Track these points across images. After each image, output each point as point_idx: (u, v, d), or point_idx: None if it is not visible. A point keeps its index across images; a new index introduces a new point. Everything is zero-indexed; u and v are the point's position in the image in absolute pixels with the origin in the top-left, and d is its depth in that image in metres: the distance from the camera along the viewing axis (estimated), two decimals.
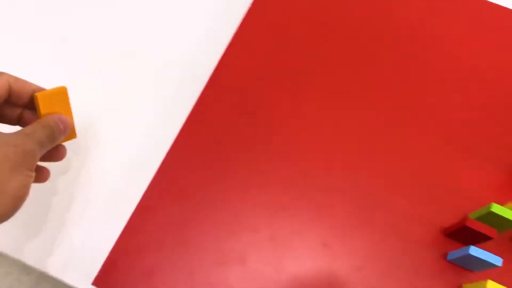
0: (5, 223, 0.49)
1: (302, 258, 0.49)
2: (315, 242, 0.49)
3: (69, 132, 0.42)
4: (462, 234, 0.47)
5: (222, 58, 0.58)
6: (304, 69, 0.58)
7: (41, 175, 0.42)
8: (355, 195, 0.52)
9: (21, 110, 0.41)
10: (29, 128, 0.37)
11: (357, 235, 0.50)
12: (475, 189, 0.53)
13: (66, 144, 0.53)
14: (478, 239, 0.47)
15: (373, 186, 0.53)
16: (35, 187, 0.51)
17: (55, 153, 0.43)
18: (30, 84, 0.40)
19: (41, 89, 0.40)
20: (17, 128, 0.52)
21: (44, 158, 0.42)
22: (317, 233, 0.50)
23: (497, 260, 0.44)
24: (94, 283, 0.46)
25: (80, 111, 0.56)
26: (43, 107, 0.40)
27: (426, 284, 0.48)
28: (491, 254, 0.44)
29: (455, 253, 0.47)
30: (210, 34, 0.61)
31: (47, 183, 0.51)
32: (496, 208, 0.45)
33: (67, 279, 0.47)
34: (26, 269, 1.24)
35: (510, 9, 0.65)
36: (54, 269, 0.47)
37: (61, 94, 0.41)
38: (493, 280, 0.48)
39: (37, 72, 0.58)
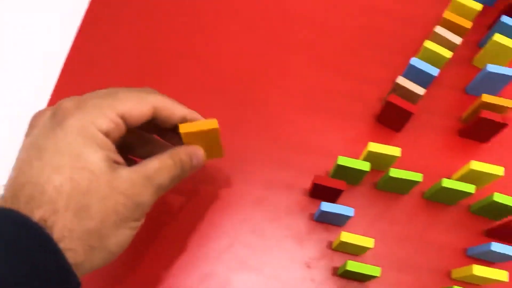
0: None
1: None
2: None
3: (199, 168, 0.38)
4: (321, 192, 0.47)
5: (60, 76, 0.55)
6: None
7: None
8: None
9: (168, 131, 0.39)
10: (154, 164, 0.33)
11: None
12: (331, 145, 0.52)
13: None
14: (331, 194, 0.46)
15: (232, 155, 0.51)
16: None
17: None
18: (180, 109, 0.35)
19: (190, 117, 0.36)
20: None
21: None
22: None
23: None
24: None
25: None
26: (186, 140, 0.37)
27: (299, 244, 0.47)
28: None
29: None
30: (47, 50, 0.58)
31: None
32: (342, 160, 0.45)
33: None
34: None
35: None
36: None
37: (210, 131, 0.36)
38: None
39: None
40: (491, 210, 0.46)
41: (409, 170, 0.50)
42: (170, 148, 0.36)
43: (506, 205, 0.44)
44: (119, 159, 0.32)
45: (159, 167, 0.33)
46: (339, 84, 0.55)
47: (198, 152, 0.37)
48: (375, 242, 0.48)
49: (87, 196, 0.29)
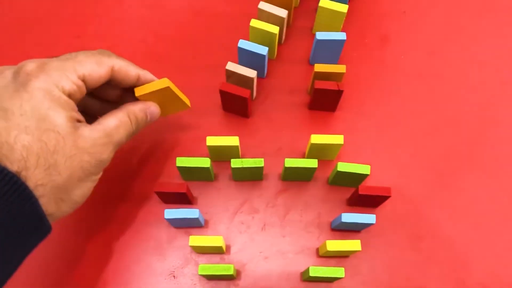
0: None
1: None
2: None
3: (154, 121, 0.41)
4: (169, 197, 0.45)
5: None
6: None
7: None
8: None
9: (122, 91, 0.41)
10: (112, 122, 0.36)
11: None
12: None
13: None
14: (179, 198, 0.44)
15: None
16: None
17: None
18: (133, 69, 0.38)
19: (143, 76, 0.39)
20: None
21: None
22: None
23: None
24: None
25: None
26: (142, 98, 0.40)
27: (161, 254, 0.45)
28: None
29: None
30: None
31: None
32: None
33: None
34: None
35: None
36: None
37: (163, 89, 0.39)
38: None
39: None
40: (344, 179, 0.45)
41: (258, 154, 0.49)
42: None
43: (352, 173, 0.43)
44: (80, 117, 0.34)
45: (116, 124, 0.36)
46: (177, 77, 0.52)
47: (152, 107, 0.40)
48: (239, 235, 0.46)
49: (55, 156, 0.31)
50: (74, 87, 0.34)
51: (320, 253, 0.45)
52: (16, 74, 0.33)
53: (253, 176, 0.46)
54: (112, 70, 0.37)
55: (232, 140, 0.43)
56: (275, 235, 0.46)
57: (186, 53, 0.53)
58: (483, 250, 0.46)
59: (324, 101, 0.48)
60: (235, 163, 0.43)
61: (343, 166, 0.43)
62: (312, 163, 0.43)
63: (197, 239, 0.41)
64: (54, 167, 0.31)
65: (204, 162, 0.43)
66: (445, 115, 0.50)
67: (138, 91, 0.39)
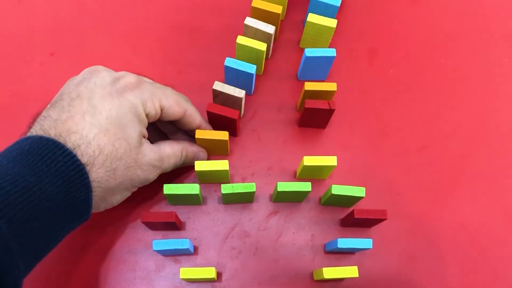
0: None
1: None
2: None
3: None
4: (155, 226, 0.42)
5: None
6: None
7: None
8: None
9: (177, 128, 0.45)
10: (167, 149, 0.41)
11: None
12: None
13: None
14: (165, 225, 0.43)
15: None
16: None
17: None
18: (199, 118, 0.44)
19: (203, 126, 0.44)
20: None
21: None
22: None
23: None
24: None
25: None
26: (199, 143, 0.45)
27: (149, 284, 0.42)
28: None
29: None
30: None
31: None
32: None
33: None
34: None
35: None
36: None
37: (221, 140, 0.43)
38: None
39: None
40: (338, 200, 0.44)
41: (247, 174, 0.48)
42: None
43: (346, 195, 0.42)
44: (146, 133, 0.39)
45: (169, 154, 0.41)
46: None
47: (202, 154, 0.45)
48: (230, 261, 0.45)
49: (118, 162, 0.35)
50: (153, 111, 0.38)
51: (315, 278, 0.43)
52: (115, 80, 0.37)
53: (243, 199, 0.45)
54: (185, 113, 0.41)
55: (221, 164, 0.41)
56: (267, 260, 0.44)
57: (168, 69, 0.51)
58: (481, 268, 0.45)
59: (315, 119, 0.47)
60: (226, 188, 0.41)
61: (338, 189, 0.41)
62: (306, 186, 0.41)
63: (188, 272, 0.39)
64: (113, 171, 0.35)
65: (192, 188, 0.41)
66: (437, 128, 0.50)
67: (199, 134, 0.43)
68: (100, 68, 0.38)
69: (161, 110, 0.39)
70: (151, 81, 0.41)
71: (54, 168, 0.32)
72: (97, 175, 0.34)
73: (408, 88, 0.51)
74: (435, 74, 0.52)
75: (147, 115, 0.38)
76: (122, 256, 0.44)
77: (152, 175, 0.40)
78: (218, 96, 0.45)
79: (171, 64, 0.51)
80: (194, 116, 0.42)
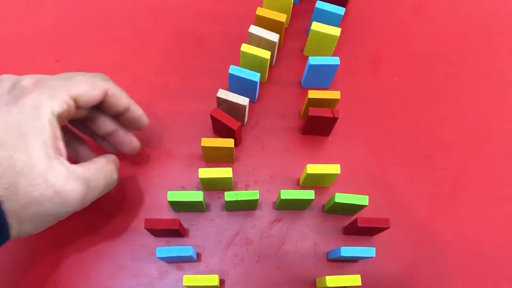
0: None
1: None
2: None
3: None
4: (158, 232, 0.43)
5: None
6: None
7: None
8: None
9: (115, 128, 0.41)
10: (93, 166, 0.36)
11: None
12: None
13: None
14: (169, 232, 0.44)
15: None
16: None
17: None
18: (125, 98, 0.39)
19: (132, 107, 0.40)
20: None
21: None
22: None
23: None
24: None
25: None
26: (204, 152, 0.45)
27: None
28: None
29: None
30: None
31: None
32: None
33: None
34: None
35: None
36: None
37: (226, 148, 0.43)
38: None
39: None
40: (341, 208, 0.44)
41: (250, 182, 0.47)
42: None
43: (350, 204, 0.42)
44: (62, 148, 0.33)
45: (97, 168, 0.36)
46: (164, 102, 0.50)
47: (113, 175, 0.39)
48: (233, 269, 0.45)
49: (19, 177, 0.30)
50: (65, 106, 0.33)
51: (318, 286, 0.43)
52: (12, 86, 0.33)
53: (246, 206, 0.45)
54: (106, 94, 0.37)
55: (225, 172, 0.41)
56: (270, 268, 0.44)
57: (172, 77, 0.51)
58: (484, 277, 0.45)
59: (318, 127, 0.47)
60: (229, 196, 0.41)
61: (341, 197, 0.41)
62: (309, 194, 0.41)
63: (191, 279, 0.39)
64: (14, 188, 0.30)
65: (196, 196, 0.41)
66: (440, 137, 0.50)
67: (204, 142, 0.42)
68: (3, 76, 0.34)
69: (75, 100, 0.34)
70: (56, 75, 0.36)
71: None
72: None
73: (412, 96, 0.51)
74: (439, 82, 0.52)
75: (58, 116, 0.33)
76: (124, 263, 0.44)
77: (74, 195, 0.33)
78: (222, 104, 0.45)
79: (176, 72, 0.51)
80: (119, 95, 0.38)
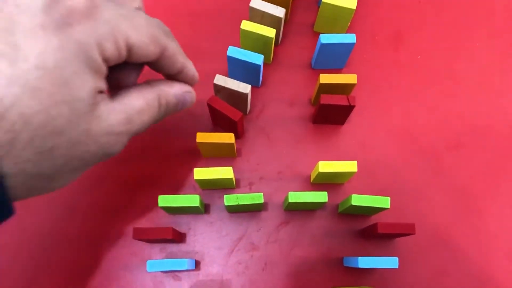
0: None
1: None
2: None
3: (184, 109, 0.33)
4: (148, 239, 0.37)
5: None
6: None
7: None
8: None
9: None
10: (138, 102, 0.27)
11: None
12: None
13: None
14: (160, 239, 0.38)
15: None
16: None
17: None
18: (182, 58, 0.30)
19: (186, 72, 0.31)
20: None
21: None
22: None
23: None
24: None
25: None
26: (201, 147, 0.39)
27: None
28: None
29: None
30: None
31: None
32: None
33: None
34: None
35: None
36: None
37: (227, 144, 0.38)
38: None
39: None
40: (358, 210, 0.38)
41: (254, 179, 0.42)
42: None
43: (368, 206, 0.36)
44: (104, 87, 0.25)
45: (142, 108, 0.28)
46: None
47: (188, 96, 0.32)
48: (237, 278, 0.40)
49: (57, 139, 0.23)
50: (116, 54, 0.25)
51: None
52: (53, 3, 0.22)
53: (251, 208, 0.39)
54: (163, 54, 0.28)
55: (225, 172, 0.36)
56: (278, 276, 0.39)
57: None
58: None
59: (332, 115, 0.41)
60: (230, 200, 0.36)
61: (358, 200, 0.36)
62: (321, 196, 0.36)
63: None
64: (49, 152, 0.23)
65: (192, 200, 0.35)
66: (471, 124, 0.43)
67: (200, 137, 0.37)
68: None
69: (128, 52, 0.26)
70: (111, 2, 0.25)
71: None
72: (17, 160, 0.22)
73: (439, 78, 0.45)
74: (470, 61, 0.45)
75: (106, 61, 0.25)
76: (115, 274, 0.39)
77: (117, 147, 0.27)
78: (221, 91, 0.39)
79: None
80: (176, 56, 0.29)
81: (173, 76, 0.31)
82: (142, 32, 0.26)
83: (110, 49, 0.24)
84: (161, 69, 0.30)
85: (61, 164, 0.24)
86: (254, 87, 0.44)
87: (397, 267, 0.35)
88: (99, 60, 0.24)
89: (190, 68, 0.32)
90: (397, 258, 0.35)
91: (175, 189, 0.41)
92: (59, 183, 0.26)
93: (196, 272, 0.40)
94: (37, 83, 0.21)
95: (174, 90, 0.30)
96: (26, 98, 0.21)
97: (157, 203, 0.39)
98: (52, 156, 0.23)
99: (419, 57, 0.45)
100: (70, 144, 0.24)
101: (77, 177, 0.27)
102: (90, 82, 0.24)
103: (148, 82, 0.29)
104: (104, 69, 0.25)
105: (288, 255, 0.40)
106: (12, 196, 0.23)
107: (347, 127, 0.43)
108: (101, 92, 0.25)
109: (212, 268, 0.40)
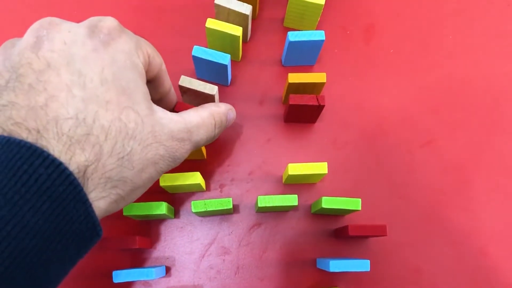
0: None
1: None
2: None
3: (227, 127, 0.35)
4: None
5: None
6: None
7: None
8: None
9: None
10: (194, 118, 0.30)
11: None
12: None
13: None
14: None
15: None
16: None
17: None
18: (168, 80, 0.33)
19: (172, 92, 0.34)
20: None
21: None
22: None
23: None
24: None
25: None
26: None
27: None
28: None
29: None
30: None
31: None
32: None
33: None
34: None
35: None
36: None
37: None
38: None
39: None
40: (330, 211, 0.38)
41: (225, 181, 0.40)
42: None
43: (338, 208, 0.35)
44: (149, 94, 0.28)
45: (198, 123, 0.30)
46: None
47: (231, 113, 0.35)
48: (209, 283, 0.39)
49: (132, 142, 0.25)
50: (147, 59, 0.28)
51: None
52: (92, 29, 0.26)
53: (221, 212, 0.38)
54: (161, 68, 0.31)
55: (192, 178, 0.35)
56: (251, 280, 0.39)
57: None
58: (494, 280, 0.39)
59: (302, 115, 0.40)
60: (197, 206, 0.35)
61: (329, 202, 0.35)
62: (291, 200, 0.35)
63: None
64: (129, 157, 0.25)
65: (158, 208, 0.34)
66: (444, 119, 0.43)
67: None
68: (56, 20, 0.26)
69: (149, 58, 0.29)
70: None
71: (39, 187, 0.21)
72: (105, 169, 0.24)
73: (412, 72, 0.44)
74: (443, 55, 0.44)
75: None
76: (81, 284, 0.38)
77: (181, 152, 0.29)
78: (187, 93, 0.37)
79: None
80: (167, 74, 0.33)
81: (164, 97, 0.34)
82: (150, 46, 0.29)
83: (142, 58, 0.28)
84: (159, 86, 0.32)
85: (140, 168, 0.26)
86: (223, 86, 0.42)
87: (368, 269, 0.34)
88: (141, 65, 0.27)
89: (173, 90, 0.35)
90: (368, 261, 0.34)
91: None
92: (139, 191, 0.28)
93: (167, 279, 0.39)
94: (106, 96, 0.24)
95: (222, 109, 0.33)
96: (102, 112, 0.24)
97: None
98: (131, 160, 0.25)
99: (391, 51, 0.44)
100: (142, 147, 0.26)
101: (151, 183, 0.29)
102: (141, 86, 0.27)
103: (201, 105, 0.33)
104: (145, 75, 0.28)
105: (261, 258, 0.39)
106: (100, 211, 0.25)
107: (319, 125, 0.42)
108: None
109: (183, 274, 0.39)
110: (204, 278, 0.39)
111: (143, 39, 0.30)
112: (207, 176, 0.40)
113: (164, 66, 0.32)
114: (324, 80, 0.37)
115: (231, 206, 0.35)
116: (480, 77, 0.44)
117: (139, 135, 0.26)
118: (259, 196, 0.35)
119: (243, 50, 0.44)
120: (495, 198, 0.41)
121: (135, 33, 0.30)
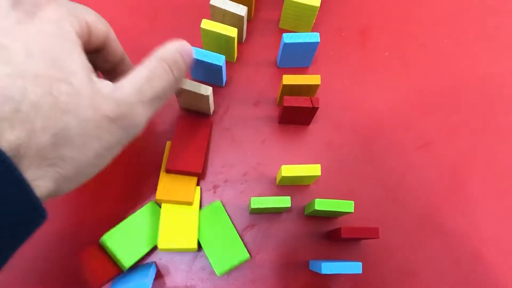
0: None
1: None
2: None
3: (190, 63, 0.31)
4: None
5: None
6: None
7: None
8: None
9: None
10: (141, 73, 0.27)
11: None
12: None
13: None
14: None
15: None
16: None
17: None
18: (120, 47, 0.31)
19: (127, 60, 0.33)
20: None
21: None
22: None
23: None
24: None
25: None
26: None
27: None
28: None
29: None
30: None
31: None
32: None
33: None
34: None
35: None
36: None
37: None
38: None
39: None
40: (323, 213, 0.38)
41: (219, 182, 0.40)
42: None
43: (331, 211, 0.35)
44: (89, 64, 0.26)
45: (148, 76, 0.27)
46: None
47: (186, 46, 0.30)
48: (201, 284, 0.39)
49: (66, 116, 0.23)
50: (80, 31, 0.26)
51: None
52: (18, 0, 0.24)
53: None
54: (108, 35, 0.29)
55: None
56: (243, 281, 0.39)
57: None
58: (490, 284, 0.39)
59: (296, 116, 0.40)
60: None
61: (322, 204, 0.35)
62: (285, 201, 0.35)
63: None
64: (64, 133, 0.23)
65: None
66: (440, 121, 0.43)
67: (160, 194, 0.37)
68: None
69: (88, 28, 0.27)
70: None
71: None
72: (39, 146, 0.23)
73: (407, 75, 0.44)
74: (438, 57, 0.44)
75: (78, 37, 0.26)
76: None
77: (135, 119, 0.27)
78: (182, 94, 0.37)
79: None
80: (117, 41, 0.31)
81: (116, 66, 0.32)
82: (91, 13, 0.27)
83: (77, 26, 0.25)
84: (108, 55, 0.31)
85: (80, 144, 0.24)
86: (218, 86, 0.42)
87: (360, 272, 0.34)
88: (73, 33, 0.25)
89: (127, 58, 0.33)
90: (360, 264, 0.34)
91: (134, 201, 0.40)
92: (88, 170, 0.26)
93: (159, 280, 0.39)
94: (34, 70, 0.22)
95: (171, 47, 0.29)
96: (30, 87, 0.22)
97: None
98: (67, 136, 0.23)
99: (386, 53, 0.44)
100: (80, 121, 0.24)
101: (106, 162, 0.27)
102: (76, 56, 0.24)
103: (146, 58, 0.29)
104: (81, 44, 0.26)
105: (254, 260, 0.39)
106: (43, 192, 0.23)
107: (313, 127, 0.42)
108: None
109: (176, 275, 0.39)
110: (196, 279, 0.39)
111: (82, 5, 0.27)
112: (201, 177, 0.40)
113: (112, 34, 0.30)
114: (319, 82, 0.37)
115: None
116: (475, 80, 0.44)
117: (75, 109, 0.24)
118: (252, 198, 0.35)
119: (239, 51, 0.44)
120: (490, 200, 0.41)
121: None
